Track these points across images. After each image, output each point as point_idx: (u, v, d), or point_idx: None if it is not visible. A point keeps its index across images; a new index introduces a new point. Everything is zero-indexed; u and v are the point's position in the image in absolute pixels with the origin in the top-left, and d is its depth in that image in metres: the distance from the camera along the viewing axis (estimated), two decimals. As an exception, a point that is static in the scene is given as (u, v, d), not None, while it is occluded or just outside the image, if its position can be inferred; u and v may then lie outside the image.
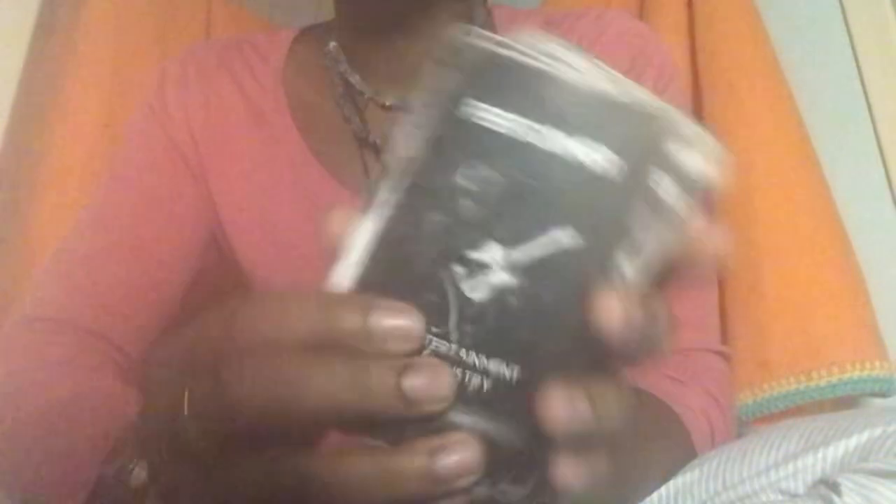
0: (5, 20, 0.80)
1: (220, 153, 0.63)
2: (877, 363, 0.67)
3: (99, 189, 0.65)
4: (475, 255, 0.24)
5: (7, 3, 0.81)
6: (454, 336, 0.24)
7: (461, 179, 0.25)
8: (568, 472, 0.24)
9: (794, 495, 0.44)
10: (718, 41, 0.80)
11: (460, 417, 0.24)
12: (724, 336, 0.75)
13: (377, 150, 0.60)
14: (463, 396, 0.24)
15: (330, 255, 0.25)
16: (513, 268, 0.24)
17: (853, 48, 0.83)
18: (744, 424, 0.72)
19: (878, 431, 0.44)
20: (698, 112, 0.81)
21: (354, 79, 0.61)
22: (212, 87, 0.64)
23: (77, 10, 0.86)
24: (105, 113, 0.83)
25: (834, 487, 0.38)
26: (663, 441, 0.53)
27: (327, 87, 0.62)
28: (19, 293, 0.77)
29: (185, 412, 0.24)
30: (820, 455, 0.44)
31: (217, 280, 0.67)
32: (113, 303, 0.59)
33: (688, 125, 0.25)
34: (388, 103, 0.60)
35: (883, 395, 0.68)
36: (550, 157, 0.25)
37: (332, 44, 0.62)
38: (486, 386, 0.24)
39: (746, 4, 0.81)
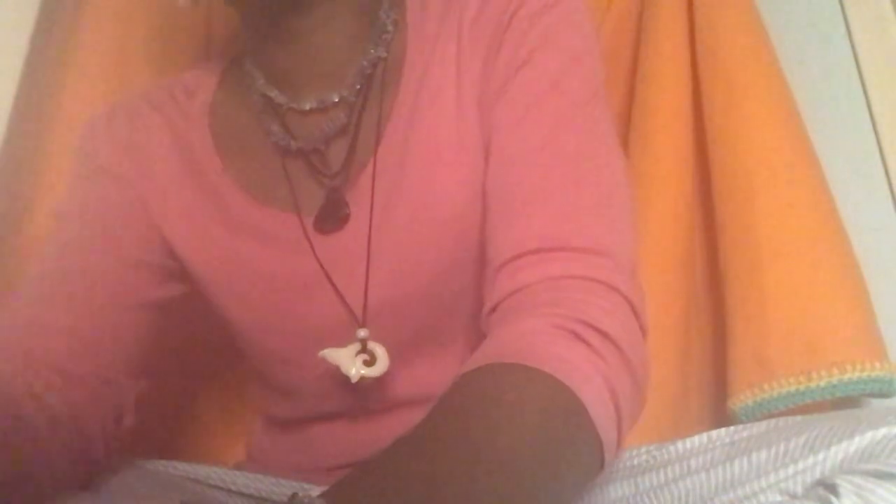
0: (5, 20, 0.80)
1: (154, 191, 0.66)
2: (877, 363, 0.67)
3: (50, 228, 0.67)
4: None
5: (7, 2, 0.81)
6: None
7: None
8: None
9: (795, 496, 0.44)
10: (718, 41, 0.79)
11: None
12: (725, 336, 0.75)
13: (304, 155, 0.62)
14: None
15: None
16: None
17: (853, 48, 0.82)
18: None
19: (880, 433, 0.43)
20: (698, 112, 0.81)
21: (273, 93, 0.63)
22: (142, 130, 0.67)
23: (77, 10, 0.86)
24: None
25: (832, 489, 0.38)
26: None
27: (251, 106, 0.65)
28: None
29: None
30: (821, 457, 0.44)
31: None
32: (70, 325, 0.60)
33: None
34: (307, 108, 0.62)
35: (883, 395, 0.68)
36: None
37: (248, 63, 0.65)
38: None
39: (746, 5, 0.81)
